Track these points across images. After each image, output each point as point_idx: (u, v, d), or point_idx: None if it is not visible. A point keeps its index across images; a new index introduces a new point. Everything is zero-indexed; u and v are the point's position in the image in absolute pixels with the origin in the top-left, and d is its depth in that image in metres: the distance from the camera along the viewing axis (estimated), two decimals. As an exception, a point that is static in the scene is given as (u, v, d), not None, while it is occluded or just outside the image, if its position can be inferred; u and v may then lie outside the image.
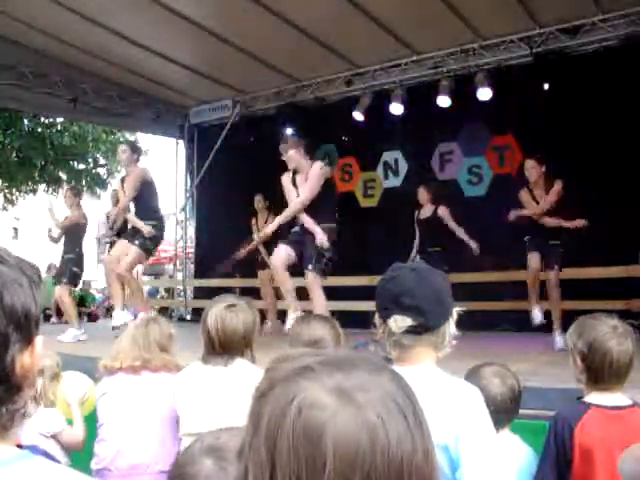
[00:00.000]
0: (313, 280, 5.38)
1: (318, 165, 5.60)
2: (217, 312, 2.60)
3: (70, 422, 3.12)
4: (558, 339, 5.76)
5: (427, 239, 7.35)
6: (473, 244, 7.14)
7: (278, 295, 8.35)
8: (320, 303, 5.36)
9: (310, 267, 5.37)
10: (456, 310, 1.72)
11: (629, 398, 2.15)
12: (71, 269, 7.37)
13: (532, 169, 6.15)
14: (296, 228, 5.65)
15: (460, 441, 1.52)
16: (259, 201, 8.57)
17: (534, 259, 6.07)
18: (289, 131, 9.12)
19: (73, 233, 7.54)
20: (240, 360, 2.63)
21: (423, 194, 7.51)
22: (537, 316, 6.10)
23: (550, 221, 6.05)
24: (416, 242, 7.54)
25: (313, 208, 5.54)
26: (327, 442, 0.64)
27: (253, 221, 8.69)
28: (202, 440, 1.29)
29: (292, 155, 5.64)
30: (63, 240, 7.64)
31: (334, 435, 0.64)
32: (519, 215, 6.30)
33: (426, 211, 7.48)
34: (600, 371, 2.11)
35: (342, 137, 9.52)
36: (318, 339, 2.38)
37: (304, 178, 5.61)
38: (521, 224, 6.30)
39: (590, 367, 2.13)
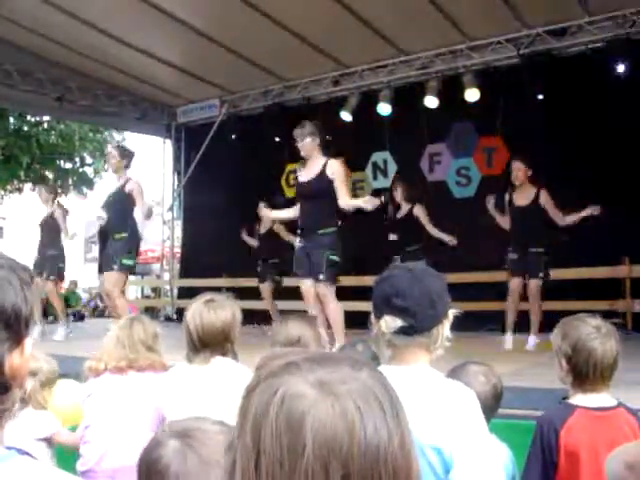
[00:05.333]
0: (326, 291, 5.11)
1: (338, 163, 5.35)
2: (196, 308, 2.63)
3: (73, 428, 3.08)
4: (532, 341, 5.96)
5: (404, 239, 7.36)
6: (446, 237, 7.16)
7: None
8: (336, 311, 5.10)
9: (321, 277, 5.09)
10: (452, 312, 1.73)
11: (615, 398, 2.16)
12: (58, 266, 7.36)
13: (518, 171, 6.19)
14: (297, 243, 5.41)
15: (453, 443, 1.53)
16: (262, 208, 8.49)
17: (516, 284, 6.13)
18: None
19: (53, 229, 7.49)
20: (223, 359, 2.63)
21: (397, 192, 7.58)
22: (507, 342, 6.11)
23: (570, 219, 6.05)
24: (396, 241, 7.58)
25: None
26: (307, 429, 0.68)
27: (256, 226, 8.67)
28: (167, 426, 1.34)
29: (308, 144, 5.31)
30: (41, 236, 7.58)
31: (313, 422, 0.68)
32: (496, 212, 6.36)
33: (402, 211, 7.54)
34: (585, 372, 2.11)
35: (326, 136, 9.50)
36: (296, 339, 2.40)
37: (309, 170, 5.35)
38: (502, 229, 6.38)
39: (575, 368, 2.13)
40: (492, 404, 2.30)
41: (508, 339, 6.13)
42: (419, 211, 7.31)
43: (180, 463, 1.24)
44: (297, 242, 5.42)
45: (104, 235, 9.29)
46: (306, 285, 5.26)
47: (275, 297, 8.48)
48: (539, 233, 6.07)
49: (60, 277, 7.54)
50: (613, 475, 1.59)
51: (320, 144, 5.38)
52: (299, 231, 5.41)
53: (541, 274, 5.99)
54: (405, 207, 7.50)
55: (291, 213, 5.62)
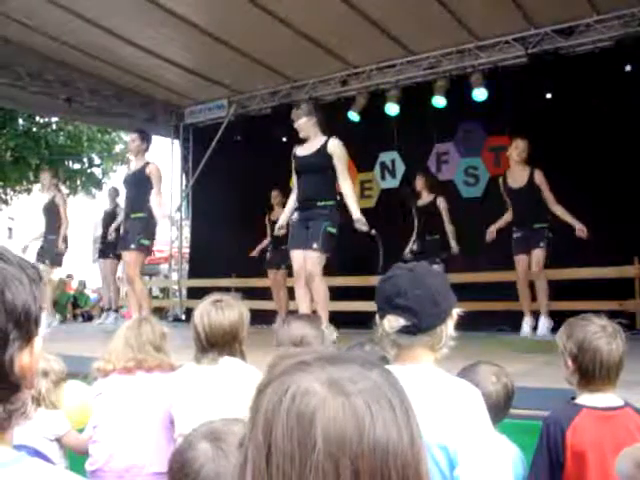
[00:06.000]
0: (317, 261, 4.94)
1: (339, 142, 5.23)
2: (203, 308, 2.63)
3: (80, 430, 3.09)
4: (542, 325, 5.89)
5: (424, 227, 7.43)
6: (453, 245, 7.25)
7: (292, 295, 8.36)
8: (322, 290, 4.98)
9: (315, 245, 4.93)
10: (456, 311, 1.72)
11: (621, 398, 2.15)
12: (54, 250, 7.35)
13: (523, 152, 6.23)
14: (294, 217, 5.29)
15: (459, 441, 1.53)
16: (276, 196, 8.53)
17: (521, 262, 6.15)
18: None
19: (53, 213, 7.49)
20: (230, 359, 2.63)
21: (419, 181, 7.65)
22: (525, 328, 6.08)
23: (559, 211, 6.03)
24: (414, 230, 7.63)
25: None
26: (317, 426, 0.69)
27: (267, 216, 8.68)
28: (199, 428, 1.38)
29: (304, 124, 5.28)
30: (44, 221, 7.62)
31: (323, 420, 0.70)
32: (500, 226, 6.38)
33: (424, 199, 7.60)
34: (591, 371, 2.11)
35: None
36: (298, 338, 2.41)
37: (309, 146, 5.29)
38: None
39: (581, 367, 2.13)
40: (503, 404, 2.30)
41: (525, 324, 6.09)
42: (442, 203, 7.40)
43: (212, 466, 1.26)
44: (294, 216, 5.30)
45: (108, 219, 9.33)
46: (299, 258, 5.08)
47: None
48: (540, 211, 6.08)
49: (56, 262, 7.51)
50: (623, 474, 1.59)
51: (317, 122, 5.30)
52: (297, 204, 5.30)
53: (542, 244, 5.98)
54: (427, 196, 7.57)
55: (290, 205, 5.52)
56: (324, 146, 5.19)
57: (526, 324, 6.10)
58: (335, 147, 5.16)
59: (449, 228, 7.35)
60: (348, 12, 7.18)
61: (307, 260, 5.00)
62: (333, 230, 5.07)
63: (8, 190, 15.88)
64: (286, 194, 7.96)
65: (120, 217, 9.02)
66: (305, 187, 5.26)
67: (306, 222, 5.11)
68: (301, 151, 5.35)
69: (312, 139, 5.30)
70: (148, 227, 6.46)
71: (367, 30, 7.60)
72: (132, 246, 6.29)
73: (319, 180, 5.15)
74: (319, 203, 5.11)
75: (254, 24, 7.50)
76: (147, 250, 6.55)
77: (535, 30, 7.74)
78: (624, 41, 7.26)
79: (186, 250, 12.31)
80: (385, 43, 8.09)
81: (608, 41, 7.48)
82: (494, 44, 8.07)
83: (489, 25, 7.69)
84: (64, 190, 12.46)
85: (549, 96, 7.63)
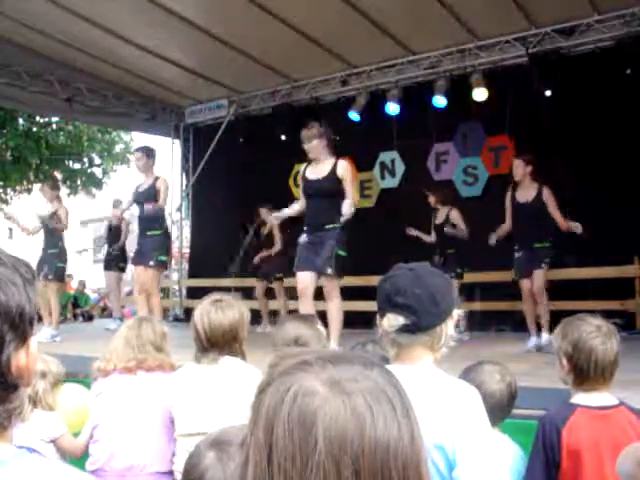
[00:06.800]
0: (333, 285, 5.09)
1: (348, 163, 5.31)
2: (203, 308, 2.64)
3: (75, 434, 3.08)
4: (545, 340, 5.78)
5: (442, 242, 7.36)
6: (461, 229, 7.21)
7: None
8: (338, 307, 5.08)
9: (329, 271, 5.01)
10: (457, 312, 1.72)
11: (616, 398, 2.16)
12: (56, 265, 7.27)
13: (517, 168, 6.19)
14: (302, 238, 5.30)
15: (457, 441, 1.53)
16: (265, 213, 8.53)
17: (524, 286, 6.08)
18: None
19: (54, 227, 7.41)
20: (231, 358, 2.64)
21: (431, 198, 7.59)
22: (529, 345, 6.01)
23: (564, 225, 6.00)
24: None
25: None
26: (318, 426, 0.70)
27: (257, 227, 8.81)
28: (211, 434, 1.41)
29: (315, 146, 5.26)
30: (43, 234, 7.53)
31: (325, 419, 0.70)
32: (499, 236, 6.35)
33: (440, 216, 7.51)
34: (586, 370, 2.12)
35: (334, 137, 9.49)
36: (293, 339, 2.42)
37: (319, 169, 5.29)
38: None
39: (576, 367, 2.14)
40: (507, 403, 2.32)
41: (530, 341, 6.06)
42: (455, 215, 7.35)
43: (217, 472, 1.27)
44: (302, 237, 5.33)
45: (113, 234, 9.34)
46: (306, 279, 5.13)
47: (270, 297, 8.75)
48: (543, 230, 6.01)
49: (59, 277, 7.41)
50: (624, 473, 1.60)
51: (328, 144, 5.33)
52: (305, 227, 5.35)
53: (543, 264, 5.91)
54: (442, 211, 7.49)
55: (296, 208, 5.52)
56: (334, 170, 5.21)
57: (531, 342, 6.04)
58: (344, 170, 5.21)
59: (463, 233, 7.29)
60: (348, 12, 7.17)
61: (326, 283, 5.11)
62: (343, 253, 5.13)
63: (8, 190, 15.86)
64: (277, 208, 7.98)
65: (124, 231, 9.14)
66: (314, 211, 5.29)
67: (314, 245, 5.17)
68: (311, 174, 5.35)
69: (321, 160, 5.31)
70: (165, 244, 6.58)
71: (367, 30, 7.60)
72: (151, 263, 6.33)
73: (328, 204, 5.18)
74: (327, 226, 5.16)
75: (254, 24, 7.50)
76: (165, 266, 6.70)
77: (536, 30, 7.74)
78: (625, 41, 7.26)
79: (186, 250, 12.31)
80: (385, 43, 8.09)
81: (609, 41, 7.48)
82: (494, 44, 8.07)
83: (489, 25, 7.69)
84: (64, 190, 12.45)
85: (549, 93, 7.63)
